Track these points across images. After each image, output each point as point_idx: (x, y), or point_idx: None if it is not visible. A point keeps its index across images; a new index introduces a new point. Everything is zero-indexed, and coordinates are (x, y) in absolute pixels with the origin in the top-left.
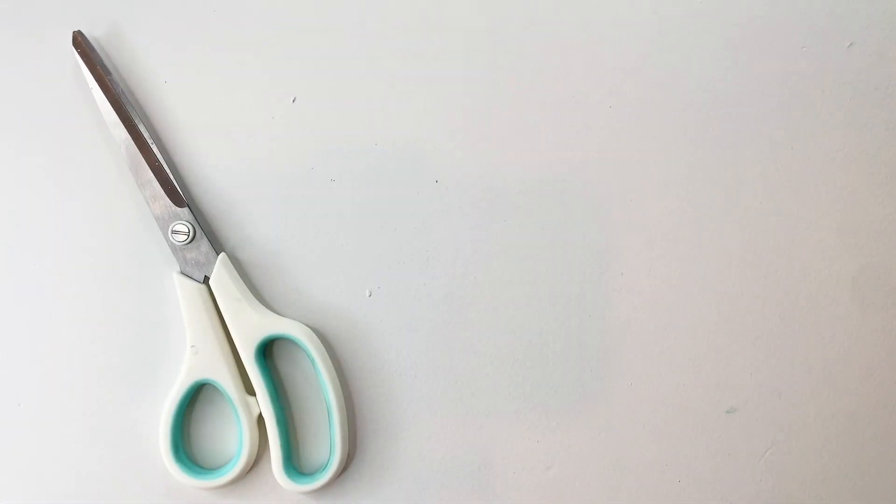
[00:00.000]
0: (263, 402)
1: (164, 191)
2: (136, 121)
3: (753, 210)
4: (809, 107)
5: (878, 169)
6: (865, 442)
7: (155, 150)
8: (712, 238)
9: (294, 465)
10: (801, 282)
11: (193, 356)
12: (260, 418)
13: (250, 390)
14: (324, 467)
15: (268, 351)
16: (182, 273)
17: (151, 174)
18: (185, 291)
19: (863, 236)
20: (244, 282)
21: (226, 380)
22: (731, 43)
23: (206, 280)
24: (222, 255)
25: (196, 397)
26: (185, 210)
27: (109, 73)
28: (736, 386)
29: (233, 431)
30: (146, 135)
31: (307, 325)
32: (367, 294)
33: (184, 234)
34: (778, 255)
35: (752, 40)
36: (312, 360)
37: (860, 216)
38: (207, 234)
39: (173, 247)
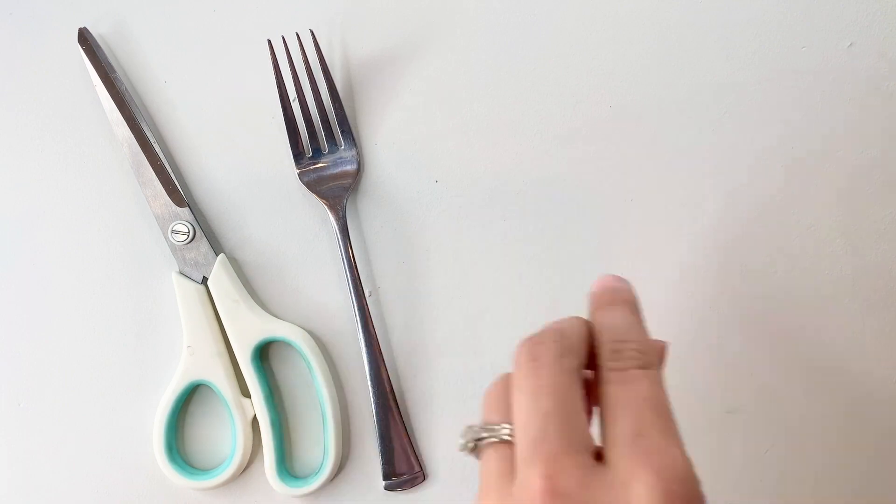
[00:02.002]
0: (258, 405)
1: (165, 190)
2: (139, 119)
3: (753, 210)
4: (809, 107)
5: (878, 169)
6: (865, 442)
7: (157, 149)
8: (712, 238)
9: (287, 468)
10: (801, 282)
11: (190, 357)
12: (254, 420)
13: (245, 392)
14: (317, 471)
15: (264, 353)
16: (180, 273)
17: (153, 173)
18: (182, 291)
19: (863, 236)
20: (243, 283)
21: (221, 381)
22: (731, 43)
23: (204, 281)
24: (221, 256)
25: (191, 398)
26: (186, 210)
27: (114, 71)
28: (736, 386)
29: (227, 433)
30: (148, 134)
31: (306, 328)
32: (367, 294)
33: (183, 234)
34: (778, 255)
35: (753, 40)
36: (308, 364)
37: (860, 216)
38: (207, 234)
39: (173, 246)
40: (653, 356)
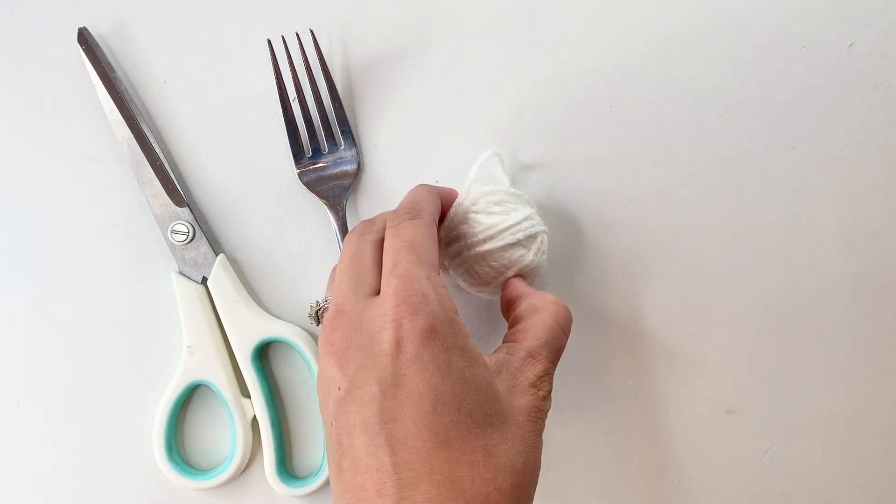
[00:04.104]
0: (258, 405)
1: (165, 190)
2: (139, 119)
3: (753, 210)
4: (809, 107)
5: (878, 169)
6: (865, 442)
7: (157, 149)
8: (712, 238)
9: (286, 468)
10: (801, 282)
11: (189, 357)
12: (254, 420)
13: (245, 392)
14: (317, 471)
15: (264, 353)
16: (180, 273)
17: (152, 173)
18: (182, 291)
19: (863, 236)
20: (243, 283)
21: (221, 381)
22: (732, 43)
23: (204, 281)
24: (221, 256)
25: (191, 398)
26: (186, 210)
27: (114, 71)
28: (736, 386)
29: (226, 433)
30: (148, 134)
31: (306, 328)
32: None
33: (183, 234)
34: (778, 255)
35: (753, 40)
36: (308, 364)
37: (860, 216)
38: (207, 234)
39: (172, 246)
40: (422, 207)
